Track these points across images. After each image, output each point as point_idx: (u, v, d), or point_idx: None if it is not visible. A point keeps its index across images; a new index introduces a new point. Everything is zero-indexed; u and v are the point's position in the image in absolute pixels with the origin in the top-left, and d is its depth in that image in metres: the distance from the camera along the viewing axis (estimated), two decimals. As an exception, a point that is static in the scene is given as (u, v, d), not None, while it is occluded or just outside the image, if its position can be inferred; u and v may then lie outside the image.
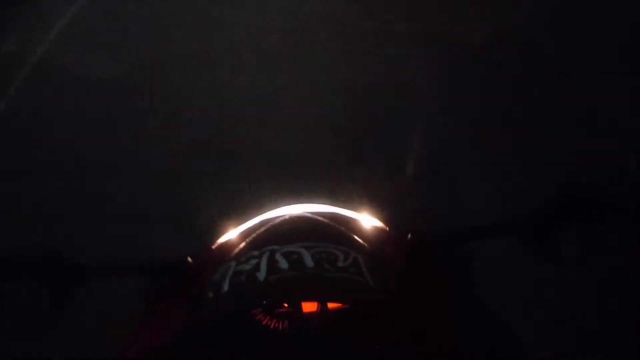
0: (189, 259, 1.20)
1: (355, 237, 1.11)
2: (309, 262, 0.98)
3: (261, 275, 0.97)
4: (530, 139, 1.82)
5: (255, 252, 1.03)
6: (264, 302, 0.93)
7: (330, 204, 1.23)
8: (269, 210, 1.23)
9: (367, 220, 1.20)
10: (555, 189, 1.21)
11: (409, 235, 1.19)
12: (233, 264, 1.03)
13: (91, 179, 2.60)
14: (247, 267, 1.00)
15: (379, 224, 1.22)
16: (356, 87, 1.94)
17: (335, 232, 1.12)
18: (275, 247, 1.03)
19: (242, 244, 1.11)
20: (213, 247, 1.23)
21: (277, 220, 1.16)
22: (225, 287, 0.97)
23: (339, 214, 1.21)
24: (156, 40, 5.23)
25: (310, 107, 1.75)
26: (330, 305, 0.94)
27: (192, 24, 5.53)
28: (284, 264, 0.98)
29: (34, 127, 4.00)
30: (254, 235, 1.12)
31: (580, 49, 3.07)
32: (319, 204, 1.23)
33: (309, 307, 0.94)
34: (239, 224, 1.24)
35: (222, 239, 1.23)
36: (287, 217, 1.18)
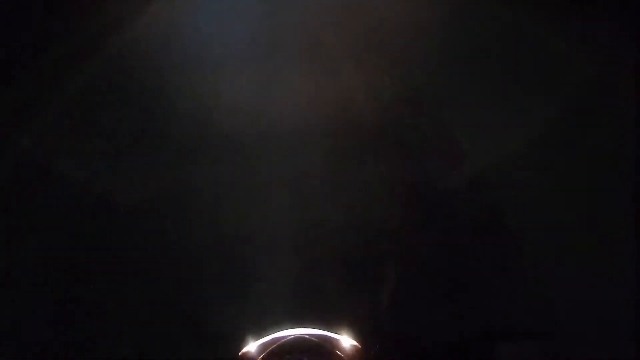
0: None
1: (338, 352, 1.72)
2: None
3: None
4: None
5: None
6: None
7: (321, 328, 1.84)
8: (279, 330, 1.83)
9: (346, 341, 1.80)
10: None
11: (373, 351, 1.80)
12: None
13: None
14: None
15: (354, 343, 1.82)
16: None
17: (325, 349, 1.73)
18: (287, 357, 1.64)
19: (263, 354, 1.71)
20: (240, 353, 1.81)
21: (286, 339, 1.76)
22: None
23: (327, 335, 1.82)
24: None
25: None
26: None
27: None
28: None
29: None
30: (272, 347, 1.72)
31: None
32: (314, 327, 1.83)
33: None
34: (256, 338, 1.83)
35: (245, 349, 1.81)
36: (292, 336, 1.78)
